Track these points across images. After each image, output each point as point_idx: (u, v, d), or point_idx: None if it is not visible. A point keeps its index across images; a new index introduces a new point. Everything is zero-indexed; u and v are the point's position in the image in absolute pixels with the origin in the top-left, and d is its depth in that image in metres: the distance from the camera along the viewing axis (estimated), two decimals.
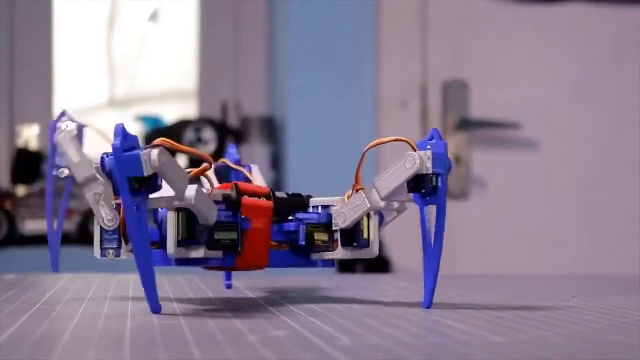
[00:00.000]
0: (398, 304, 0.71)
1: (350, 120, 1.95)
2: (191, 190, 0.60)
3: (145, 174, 0.57)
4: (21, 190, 1.84)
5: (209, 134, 1.95)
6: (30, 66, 2.08)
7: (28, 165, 1.88)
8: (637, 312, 0.65)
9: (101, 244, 0.65)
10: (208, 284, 0.87)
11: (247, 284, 0.87)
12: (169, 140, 0.59)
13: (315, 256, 0.68)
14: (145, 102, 2.19)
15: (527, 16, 2.04)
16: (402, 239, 1.94)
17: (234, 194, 0.66)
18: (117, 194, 0.59)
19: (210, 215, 0.62)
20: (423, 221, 0.67)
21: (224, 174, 0.80)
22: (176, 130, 1.96)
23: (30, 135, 2.00)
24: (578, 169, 2.04)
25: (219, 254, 0.64)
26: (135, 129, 2.03)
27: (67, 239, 1.79)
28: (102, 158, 0.60)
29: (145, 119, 2.04)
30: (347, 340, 0.50)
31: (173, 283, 0.87)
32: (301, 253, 0.68)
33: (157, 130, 2.02)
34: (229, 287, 0.82)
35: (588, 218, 2.04)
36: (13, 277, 0.92)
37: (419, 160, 0.64)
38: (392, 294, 0.80)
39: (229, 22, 2.13)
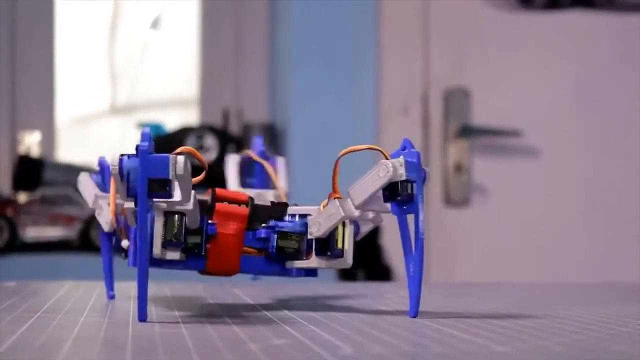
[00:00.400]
0: (399, 312, 0.71)
1: (352, 127, 1.95)
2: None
3: (170, 177, 0.60)
4: (22, 197, 1.84)
5: (210, 141, 1.95)
6: (32, 72, 2.08)
7: (29, 172, 1.88)
8: (638, 321, 0.65)
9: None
10: (209, 291, 0.87)
11: (248, 291, 0.87)
12: (194, 150, 0.62)
13: (288, 264, 0.68)
14: (146, 109, 2.19)
15: (528, 24, 2.04)
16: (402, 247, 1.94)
17: (209, 199, 0.67)
18: (129, 195, 0.60)
19: (196, 219, 0.64)
20: (402, 230, 0.66)
21: (247, 166, 0.80)
22: (177, 137, 1.96)
23: (31, 142, 2.00)
24: (579, 177, 2.04)
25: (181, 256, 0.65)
26: (137, 136, 2.03)
27: (69, 246, 1.79)
28: (120, 159, 0.60)
29: (146, 126, 2.04)
30: (349, 349, 0.50)
31: (174, 290, 0.87)
32: (276, 261, 0.68)
33: (158, 137, 2.02)
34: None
35: (589, 225, 2.04)
36: (14, 285, 0.92)
37: (392, 168, 0.64)
38: (393, 302, 0.80)
39: (230, 28, 2.14)
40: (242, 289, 0.89)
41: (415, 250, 0.65)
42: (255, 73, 2.13)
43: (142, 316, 0.60)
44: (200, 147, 1.95)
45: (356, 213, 0.67)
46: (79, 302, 0.72)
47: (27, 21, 2.08)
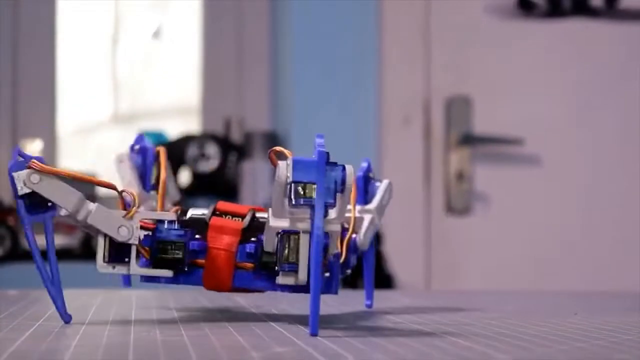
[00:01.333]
0: (402, 320, 0.71)
1: (354, 136, 1.95)
2: (91, 207, 0.63)
3: (19, 193, 0.61)
4: None
5: (211, 149, 1.96)
6: (33, 81, 2.08)
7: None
8: None
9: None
10: (211, 299, 0.87)
11: (250, 299, 0.87)
12: (38, 163, 0.61)
13: (277, 279, 0.66)
14: (148, 118, 2.19)
15: (529, 32, 2.05)
16: (405, 255, 1.94)
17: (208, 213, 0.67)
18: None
19: (118, 233, 0.63)
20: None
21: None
22: (179, 146, 1.96)
23: (33, 150, 2.00)
24: (580, 185, 2.04)
25: (164, 272, 0.65)
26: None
27: (70, 254, 1.79)
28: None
29: (148, 135, 2.04)
30: (351, 357, 0.50)
31: (177, 298, 0.87)
32: (265, 276, 0.67)
33: (160, 146, 2.02)
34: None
35: (590, 234, 2.03)
36: (15, 293, 0.92)
37: (283, 170, 0.60)
38: (396, 310, 0.80)
39: (231, 37, 2.14)
40: (244, 297, 0.89)
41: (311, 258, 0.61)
42: (256, 82, 2.13)
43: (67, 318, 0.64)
44: (202, 156, 1.95)
45: (281, 223, 0.63)
46: (80, 310, 0.72)
47: (29, 30, 2.09)
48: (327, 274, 0.67)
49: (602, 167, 2.04)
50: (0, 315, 0.70)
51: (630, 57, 2.05)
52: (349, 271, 0.72)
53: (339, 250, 0.68)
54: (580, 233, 2.03)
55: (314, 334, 0.60)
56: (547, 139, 2.04)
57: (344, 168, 0.60)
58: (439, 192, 2.01)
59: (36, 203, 0.62)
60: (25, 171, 0.61)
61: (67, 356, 0.50)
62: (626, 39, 2.05)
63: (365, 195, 0.75)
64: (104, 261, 0.64)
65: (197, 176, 1.96)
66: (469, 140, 2.01)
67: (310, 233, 0.59)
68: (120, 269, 0.64)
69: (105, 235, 0.63)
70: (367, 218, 0.73)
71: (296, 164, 0.60)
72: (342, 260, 0.68)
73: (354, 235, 0.71)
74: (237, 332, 0.61)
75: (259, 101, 2.13)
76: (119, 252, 0.64)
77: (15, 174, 0.61)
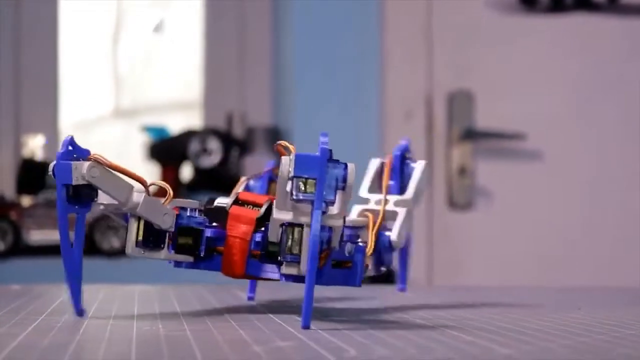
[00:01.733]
0: (404, 315, 0.71)
1: (356, 131, 1.95)
2: (138, 198, 0.64)
3: (74, 183, 0.62)
4: (26, 201, 1.84)
5: (214, 144, 1.96)
6: (35, 76, 2.08)
7: (33, 175, 1.88)
8: None
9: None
10: (214, 294, 0.87)
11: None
12: (101, 157, 0.63)
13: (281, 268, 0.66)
14: (150, 113, 2.19)
15: (531, 27, 2.04)
16: None
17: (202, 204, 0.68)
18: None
19: (163, 221, 0.64)
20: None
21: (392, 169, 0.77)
22: (181, 141, 1.96)
23: (35, 145, 2.00)
24: (583, 180, 2.04)
25: (186, 257, 0.66)
26: (140, 139, 2.04)
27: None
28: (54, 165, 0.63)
29: (150, 130, 2.04)
30: (353, 351, 0.50)
31: (179, 293, 0.87)
32: (271, 264, 0.67)
33: (162, 140, 2.02)
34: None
35: (593, 229, 2.03)
36: (18, 288, 0.92)
37: (285, 164, 0.62)
38: (397, 305, 0.80)
39: (233, 31, 2.14)
40: (246, 291, 0.89)
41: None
42: (258, 76, 2.13)
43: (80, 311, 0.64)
44: (204, 151, 1.95)
45: (284, 215, 0.64)
46: (83, 305, 0.72)
47: (31, 24, 2.09)
48: (349, 265, 0.67)
49: (605, 162, 2.04)
50: (4, 309, 0.70)
51: (633, 52, 2.05)
52: (383, 269, 0.72)
53: (367, 243, 0.68)
54: (583, 228, 2.03)
55: (305, 326, 0.60)
56: (550, 134, 2.04)
57: (346, 166, 0.61)
58: (441, 187, 2.01)
59: (78, 196, 0.63)
60: (87, 164, 0.61)
61: (70, 350, 0.50)
62: (629, 34, 2.05)
63: (401, 176, 0.74)
64: (136, 246, 0.65)
65: (199, 171, 1.96)
66: (471, 135, 2.01)
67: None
68: (151, 254, 0.65)
69: (140, 221, 0.64)
70: (402, 212, 0.71)
71: (298, 159, 0.61)
72: (369, 252, 0.68)
73: (388, 234, 0.71)
74: (240, 326, 0.61)
75: (261, 96, 2.13)
76: (146, 237, 0.65)
77: (74, 165, 0.61)
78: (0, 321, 0.63)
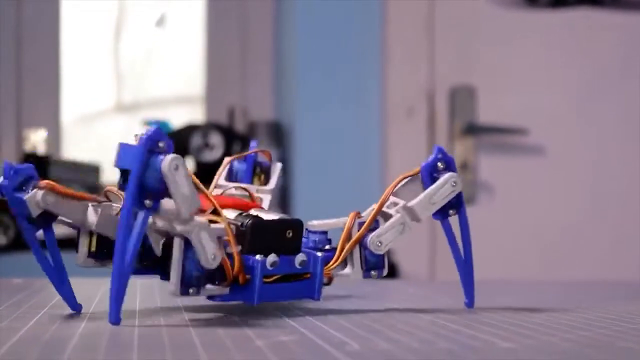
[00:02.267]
0: (406, 309, 0.71)
1: (358, 126, 1.95)
2: (92, 217, 0.62)
3: (34, 215, 0.60)
4: None
5: (215, 139, 1.95)
6: (37, 70, 2.08)
7: (35, 169, 1.88)
8: None
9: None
10: None
11: None
12: (52, 183, 0.61)
13: None
14: (152, 107, 2.19)
15: (533, 22, 2.04)
16: (409, 245, 1.94)
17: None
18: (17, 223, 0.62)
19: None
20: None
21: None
22: (183, 135, 1.96)
23: (37, 140, 2.00)
24: (585, 174, 2.04)
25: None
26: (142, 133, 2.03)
27: (74, 244, 1.79)
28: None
29: (152, 124, 2.04)
30: (356, 345, 0.50)
31: None
32: None
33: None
34: None
35: (595, 223, 2.03)
36: (20, 282, 0.92)
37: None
38: (400, 300, 0.80)
39: (235, 26, 2.14)
40: None
41: None
42: (260, 71, 2.13)
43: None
44: (206, 145, 1.95)
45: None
46: (85, 299, 0.72)
47: (33, 19, 2.09)
48: (307, 276, 0.65)
49: (606, 157, 2.04)
50: (5, 303, 0.70)
51: (635, 47, 2.05)
52: (373, 272, 0.68)
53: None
54: (584, 222, 2.03)
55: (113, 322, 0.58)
56: (552, 129, 2.04)
57: (163, 158, 0.57)
58: None
59: (39, 217, 0.61)
60: (40, 193, 0.60)
61: (71, 344, 0.50)
62: (631, 29, 2.05)
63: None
64: (88, 256, 0.64)
65: (200, 166, 1.96)
66: (473, 130, 2.01)
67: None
68: (103, 264, 0.65)
69: (92, 234, 0.63)
70: (394, 218, 0.67)
71: (120, 150, 0.58)
72: (335, 263, 0.66)
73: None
74: (242, 321, 0.61)
75: (262, 91, 2.13)
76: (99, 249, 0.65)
77: (27, 199, 0.60)
78: (2, 315, 0.63)
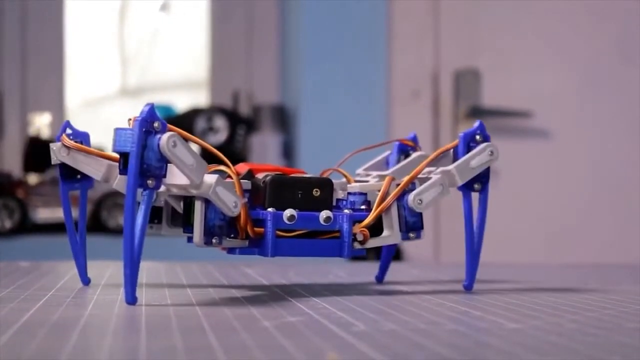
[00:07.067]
0: (412, 291, 0.71)
1: (362, 110, 1.95)
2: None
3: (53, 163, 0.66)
4: (33, 179, 1.84)
5: (220, 122, 1.96)
6: (42, 54, 2.08)
7: (40, 153, 1.88)
8: None
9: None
10: (222, 271, 0.87)
11: (261, 271, 0.87)
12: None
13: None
14: (156, 91, 2.19)
15: (539, 4, 2.04)
16: None
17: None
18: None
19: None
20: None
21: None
22: (187, 119, 1.96)
23: (42, 124, 2.00)
24: (589, 158, 2.03)
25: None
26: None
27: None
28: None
29: (156, 108, 2.04)
30: (362, 326, 0.51)
31: (187, 271, 0.87)
32: None
33: (168, 119, 2.02)
34: None
35: (600, 206, 2.03)
36: (27, 264, 0.92)
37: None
38: (405, 281, 0.80)
39: (241, 10, 2.14)
40: (254, 268, 0.89)
41: None
42: (265, 55, 2.13)
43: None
44: (210, 129, 1.95)
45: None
46: (92, 281, 0.72)
47: (38, 3, 2.08)
48: (337, 235, 0.66)
49: (611, 140, 2.04)
50: (13, 285, 0.71)
51: None
52: (412, 234, 0.68)
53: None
54: (590, 205, 2.03)
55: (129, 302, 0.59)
56: (556, 112, 2.04)
57: (160, 138, 0.59)
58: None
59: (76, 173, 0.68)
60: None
61: (79, 326, 0.50)
62: (636, 11, 2.05)
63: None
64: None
65: (205, 149, 1.96)
66: (477, 113, 2.01)
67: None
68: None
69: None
70: (434, 178, 0.68)
71: (116, 134, 0.60)
72: (368, 220, 0.66)
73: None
74: (249, 302, 0.61)
75: (267, 74, 2.13)
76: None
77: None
78: (10, 296, 0.63)
